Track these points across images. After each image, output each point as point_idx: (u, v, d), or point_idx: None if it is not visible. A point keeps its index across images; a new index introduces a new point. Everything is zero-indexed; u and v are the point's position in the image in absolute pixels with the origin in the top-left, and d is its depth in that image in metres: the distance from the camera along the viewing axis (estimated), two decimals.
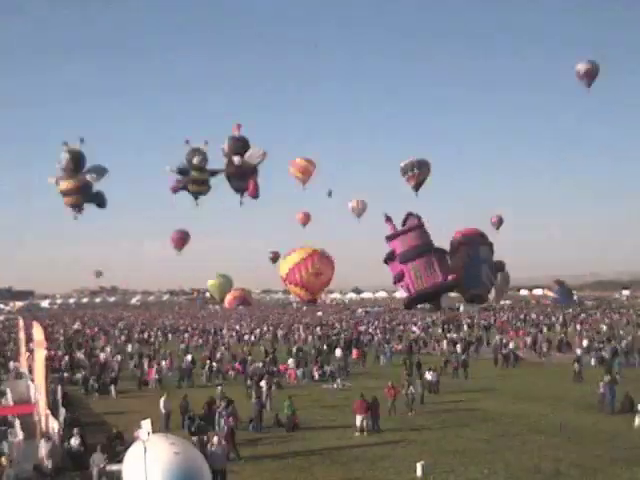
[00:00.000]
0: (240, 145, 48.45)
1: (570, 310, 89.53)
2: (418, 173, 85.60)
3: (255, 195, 48.64)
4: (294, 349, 43.30)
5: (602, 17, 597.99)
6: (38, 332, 21.42)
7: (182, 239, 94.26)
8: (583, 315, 78.58)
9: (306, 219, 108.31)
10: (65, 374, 35.07)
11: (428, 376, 28.81)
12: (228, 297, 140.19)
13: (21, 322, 43.55)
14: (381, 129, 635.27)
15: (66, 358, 39.77)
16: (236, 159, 46.53)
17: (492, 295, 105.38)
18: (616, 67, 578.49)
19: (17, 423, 21.02)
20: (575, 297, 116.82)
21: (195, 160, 47.10)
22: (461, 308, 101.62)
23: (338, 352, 40.53)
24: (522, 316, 78.68)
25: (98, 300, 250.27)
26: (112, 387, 30.95)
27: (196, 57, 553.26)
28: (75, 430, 18.71)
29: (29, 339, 31.58)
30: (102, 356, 41.89)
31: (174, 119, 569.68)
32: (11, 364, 37.31)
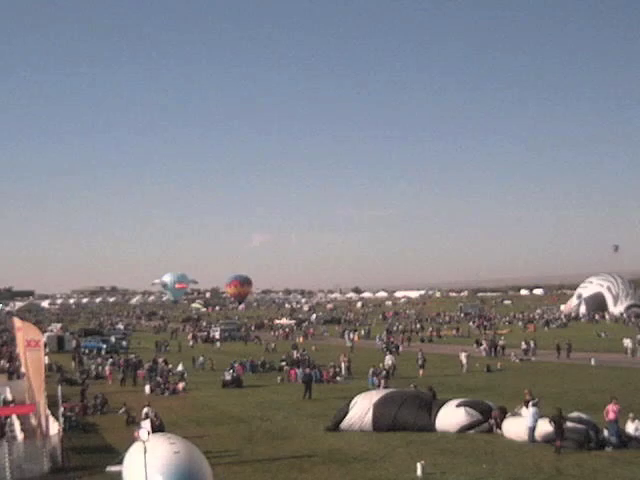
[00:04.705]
0: None
1: None
2: None
3: None
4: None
5: None
6: (35, 332, 21.40)
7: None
8: None
9: None
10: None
11: None
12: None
13: (19, 322, 43.56)
14: None
15: None
16: None
17: None
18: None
19: (17, 423, 21.03)
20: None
21: None
22: None
23: None
24: None
25: (98, 300, 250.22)
26: None
27: None
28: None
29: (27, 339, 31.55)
30: None
31: None
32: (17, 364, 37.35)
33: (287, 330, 78.50)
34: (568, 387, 29.78)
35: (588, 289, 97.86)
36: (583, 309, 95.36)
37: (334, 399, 27.79)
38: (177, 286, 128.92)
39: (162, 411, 25.04)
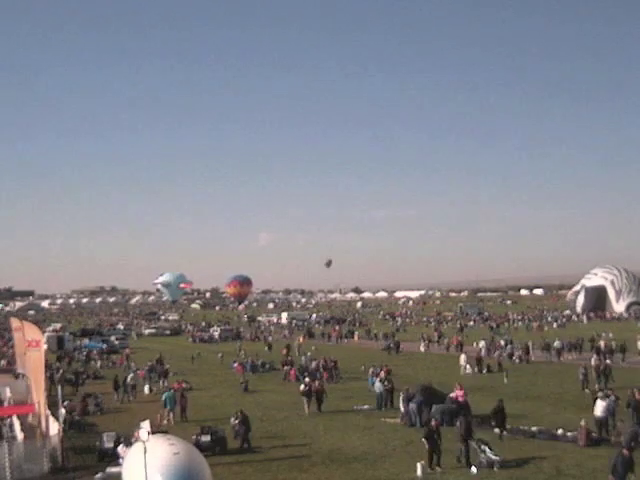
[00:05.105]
0: None
1: None
2: None
3: None
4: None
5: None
6: (35, 332, 21.37)
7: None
8: None
9: None
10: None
11: None
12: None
13: (16, 322, 43.52)
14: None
15: None
16: None
17: None
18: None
19: (17, 423, 20.99)
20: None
21: None
22: None
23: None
24: None
25: (98, 300, 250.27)
26: None
27: None
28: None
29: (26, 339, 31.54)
30: None
31: None
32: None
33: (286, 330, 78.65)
34: (568, 387, 29.76)
35: (592, 280, 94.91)
36: (581, 299, 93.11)
37: (334, 399, 27.78)
38: (182, 286, 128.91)
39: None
